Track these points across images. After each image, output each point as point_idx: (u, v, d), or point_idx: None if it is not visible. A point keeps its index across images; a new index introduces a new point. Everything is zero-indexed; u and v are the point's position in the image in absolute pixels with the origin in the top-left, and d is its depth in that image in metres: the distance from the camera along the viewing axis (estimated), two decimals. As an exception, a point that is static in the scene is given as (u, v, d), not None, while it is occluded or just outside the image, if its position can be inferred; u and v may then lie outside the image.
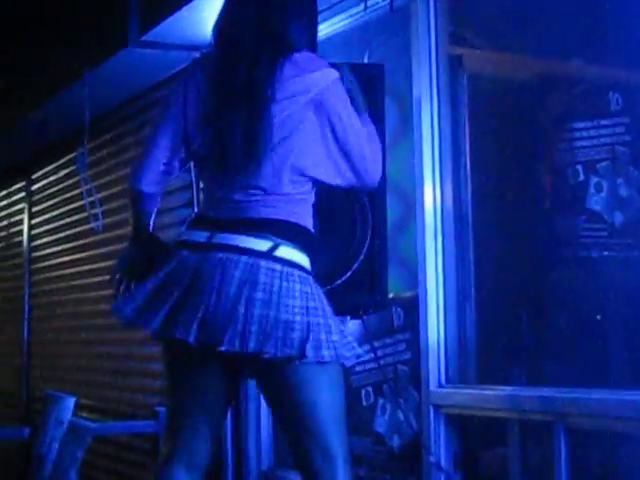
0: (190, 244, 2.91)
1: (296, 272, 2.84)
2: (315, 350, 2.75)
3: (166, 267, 2.90)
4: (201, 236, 2.90)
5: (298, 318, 2.76)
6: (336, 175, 2.94)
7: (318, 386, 2.85)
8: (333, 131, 2.88)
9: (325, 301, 2.88)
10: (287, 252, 2.84)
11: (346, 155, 2.92)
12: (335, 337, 2.81)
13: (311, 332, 2.75)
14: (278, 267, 2.80)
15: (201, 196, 4.51)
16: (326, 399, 2.87)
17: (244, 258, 2.81)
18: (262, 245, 2.82)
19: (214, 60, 3.03)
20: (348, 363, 2.89)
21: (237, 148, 2.86)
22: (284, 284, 2.79)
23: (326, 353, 2.77)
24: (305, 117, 2.84)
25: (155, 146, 3.03)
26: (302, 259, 2.89)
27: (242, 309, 2.74)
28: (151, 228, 3.15)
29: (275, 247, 2.82)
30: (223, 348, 2.70)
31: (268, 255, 2.81)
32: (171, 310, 2.80)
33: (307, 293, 2.83)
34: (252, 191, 2.88)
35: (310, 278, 2.88)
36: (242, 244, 2.83)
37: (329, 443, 2.83)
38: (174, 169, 3.06)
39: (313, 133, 2.86)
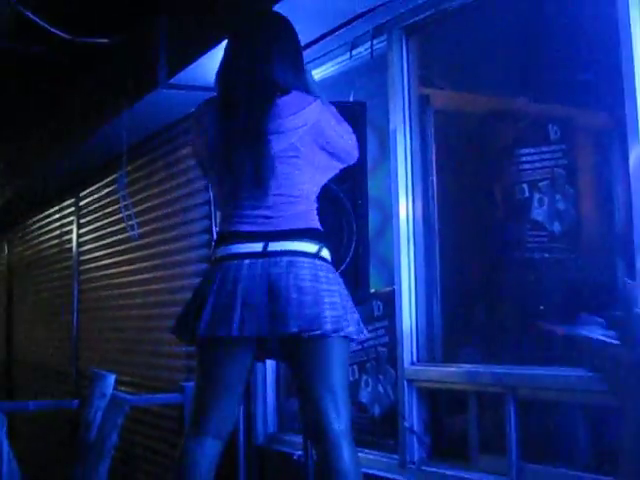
0: (243, 255, 2.88)
1: (331, 266, 2.91)
2: (355, 325, 2.84)
3: (215, 283, 2.88)
4: (254, 247, 2.88)
5: (340, 299, 2.83)
6: (330, 172, 3.00)
7: (340, 358, 2.87)
8: (326, 146, 2.91)
9: (334, 278, 2.91)
10: (325, 252, 2.90)
11: (336, 156, 2.98)
12: (355, 316, 2.88)
13: (349, 312, 2.84)
14: (323, 264, 2.86)
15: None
16: (342, 369, 2.90)
17: (303, 259, 2.84)
18: (312, 248, 2.86)
19: (218, 105, 3.01)
20: (363, 337, 2.98)
21: (248, 179, 2.87)
22: (328, 275, 2.85)
23: (359, 328, 2.86)
24: (305, 142, 2.84)
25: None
26: (303, 246, 2.88)
27: (297, 298, 2.77)
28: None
29: (320, 249, 2.88)
30: (292, 331, 2.74)
31: (316, 255, 2.86)
32: (250, 315, 2.79)
33: (341, 282, 2.91)
34: (275, 205, 2.89)
35: (315, 261, 2.89)
36: (299, 248, 2.86)
37: (340, 405, 2.83)
38: None
39: (312, 152, 2.87)
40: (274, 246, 2.86)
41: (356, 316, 2.87)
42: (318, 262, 2.85)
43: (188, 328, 2.91)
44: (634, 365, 2.57)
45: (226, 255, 2.92)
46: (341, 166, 3.02)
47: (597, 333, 3.13)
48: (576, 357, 3.20)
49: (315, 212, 2.96)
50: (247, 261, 2.86)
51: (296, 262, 2.82)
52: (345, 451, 2.80)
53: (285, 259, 2.83)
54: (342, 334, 2.80)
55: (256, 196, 2.88)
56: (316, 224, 2.95)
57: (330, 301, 2.81)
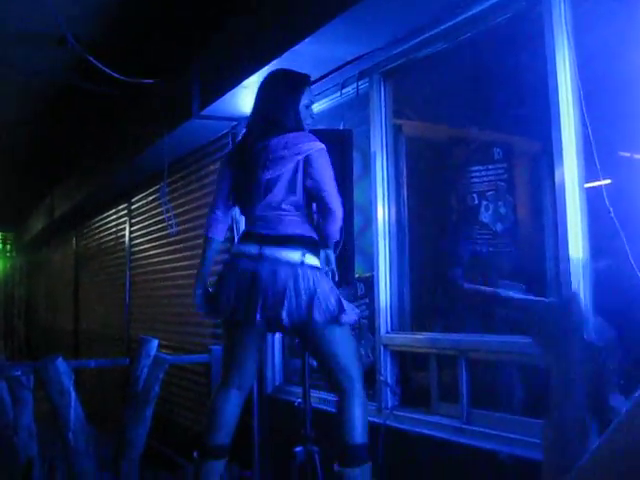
0: (246, 254, 2.94)
1: (316, 270, 2.89)
2: (346, 315, 2.84)
3: (230, 279, 2.94)
4: (254, 248, 2.92)
5: (330, 295, 2.84)
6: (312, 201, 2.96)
7: (343, 339, 2.93)
8: (307, 171, 2.86)
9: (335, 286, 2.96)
10: (310, 259, 2.88)
11: (320, 190, 2.89)
12: (347, 306, 2.87)
13: (340, 304, 2.84)
14: (308, 268, 2.85)
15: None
16: (347, 346, 2.95)
17: (285, 263, 2.85)
18: (296, 255, 2.86)
19: (237, 149, 3.07)
20: (356, 320, 3.03)
21: (254, 198, 2.94)
22: (314, 277, 2.84)
23: (350, 316, 2.86)
24: (298, 168, 2.85)
25: (214, 209, 3.09)
26: (317, 262, 2.91)
27: (291, 295, 2.80)
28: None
29: (303, 255, 2.86)
30: (285, 321, 2.79)
31: (302, 262, 2.86)
32: (246, 304, 2.86)
33: (328, 281, 2.91)
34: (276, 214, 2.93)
35: (323, 272, 2.94)
36: (284, 257, 2.86)
37: (351, 372, 2.92)
38: (227, 220, 3.13)
39: (301, 178, 2.87)
40: (266, 251, 2.88)
41: (346, 306, 2.86)
42: (300, 269, 2.84)
43: (212, 308, 2.99)
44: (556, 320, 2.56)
45: (237, 252, 2.97)
46: (323, 206, 2.92)
47: (518, 294, 3.17)
48: (501, 314, 3.27)
49: (310, 223, 2.97)
50: (245, 261, 2.92)
51: (278, 269, 2.83)
52: (355, 400, 2.90)
53: (268, 266, 2.85)
54: (337, 322, 2.83)
55: (261, 209, 2.93)
56: (310, 233, 2.94)
57: (322, 297, 2.83)
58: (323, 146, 2.90)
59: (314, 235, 2.96)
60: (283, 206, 2.91)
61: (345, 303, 2.88)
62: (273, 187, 2.89)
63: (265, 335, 3.14)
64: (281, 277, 2.82)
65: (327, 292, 2.85)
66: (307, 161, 2.85)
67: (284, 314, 2.78)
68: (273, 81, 3.07)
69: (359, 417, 2.89)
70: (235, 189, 3.05)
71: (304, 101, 3.01)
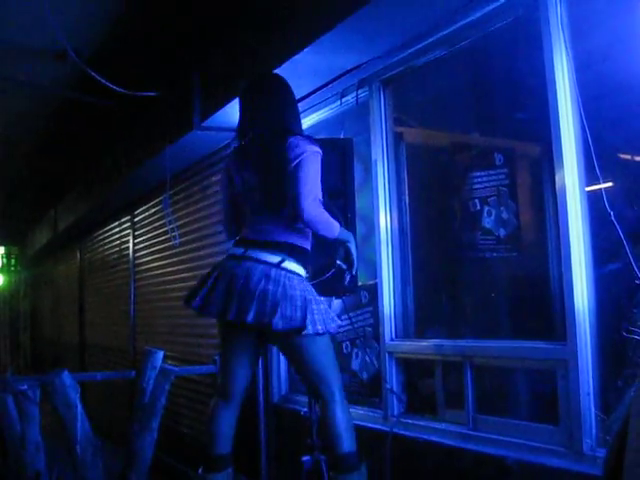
0: (232, 256, 2.95)
1: (294, 276, 2.85)
2: (312, 325, 2.77)
3: (213, 274, 2.94)
4: (240, 250, 2.94)
5: (299, 303, 2.78)
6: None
7: (317, 349, 2.89)
8: (295, 173, 2.80)
9: (315, 293, 2.89)
10: (289, 264, 2.86)
11: (295, 185, 2.79)
12: (323, 316, 2.83)
13: (308, 313, 2.77)
14: (283, 272, 2.83)
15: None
16: (324, 356, 2.92)
17: (262, 266, 2.85)
18: (275, 259, 2.86)
19: (239, 151, 3.08)
20: (333, 331, 2.91)
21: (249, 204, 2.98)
22: (287, 282, 2.80)
23: (320, 327, 2.80)
24: (292, 171, 2.82)
25: (224, 215, 3.18)
26: (298, 269, 2.89)
27: (260, 296, 2.78)
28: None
29: (282, 261, 2.85)
30: (249, 320, 2.74)
31: (278, 265, 2.85)
32: (221, 299, 2.84)
33: (303, 289, 2.84)
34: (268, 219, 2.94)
35: (304, 280, 2.89)
36: (262, 257, 2.87)
37: (329, 381, 2.89)
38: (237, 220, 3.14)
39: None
40: (249, 252, 2.89)
41: (318, 316, 2.80)
42: (275, 270, 2.82)
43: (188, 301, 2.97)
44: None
45: (228, 254, 3.00)
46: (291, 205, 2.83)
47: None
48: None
49: (303, 232, 2.94)
50: (230, 262, 2.93)
51: (255, 267, 2.83)
52: (337, 409, 2.87)
53: (248, 263, 2.85)
54: (304, 332, 2.78)
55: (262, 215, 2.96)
56: (297, 241, 2.92)
57: (289, 303, 2.79)
58: (319, 150, 2.87)
59: (304, 245, 2.95)
60: (277, 213, 2.92)
61: (320, 313, 2.82)
62: (268, 192, 2.92)
63: (260, 343, 3.10)
64: (255, 276, 2.81)
65: (297, 299, 2.80)
66: (298, 163, 2.82)
67: (250, 314, 2.75)
68: (272, 84, 3.09)
69: (343, 425, 2.87)
70: (235, 195, 3.09)
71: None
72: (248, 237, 2.97)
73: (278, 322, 2.74)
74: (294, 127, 2.97)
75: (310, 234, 2.98)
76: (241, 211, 3.09)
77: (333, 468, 2.90)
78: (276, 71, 3.58)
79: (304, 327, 2.76)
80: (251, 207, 3.00)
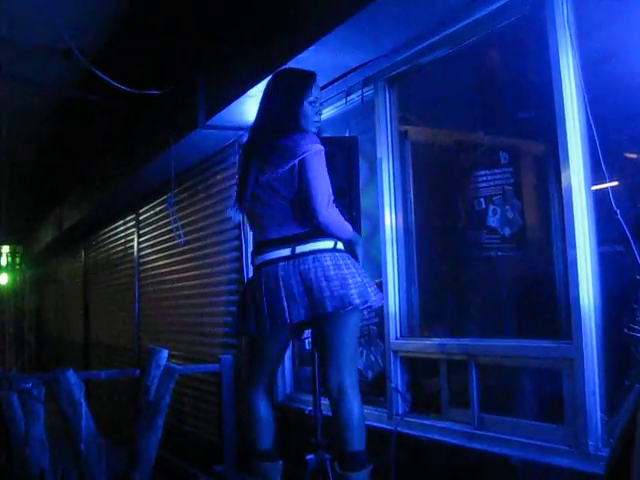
0: (254, 265, 2.98)
1: (320, 255, 2.82)
2: (357, 297, 2.77)
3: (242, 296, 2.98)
4: (258, 259, 2.94)
5: (337, 282, 2.76)
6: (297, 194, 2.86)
7: (351, 328, 2.87)
8: (301, 173, 2.81)
9: (352, 263, 2.88)
10: (304, 247, 2.83)
11: (308, 189, 2.81)
12: (360, 289, 2.80)
13: (350, 288, 2.76)
14: (301, 260, 2.81)
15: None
16: (353, 338, 2.92)
17: (281, 264, 2.83)
18: (287, 251, 2.84)
19: (245, 150, 3.08)
20: (376, 305, 3.03)
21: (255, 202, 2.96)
22: (310, 264, 2.79)
23: (357, 301, 2.78)
24: (294, 171, 2.81)
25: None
26: (322, 244, 2.85)
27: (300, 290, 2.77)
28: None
29: (294, 249, 2.83)
30: (303, 318, 2.76)
31: (291, 255, 2.83)
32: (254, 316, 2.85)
33: (335, 265, 2.82)
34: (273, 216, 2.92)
35: (335, 253, 2.85)
36: (275, 256, 2.86)
37: (352, 373, 2.88)
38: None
39: (297, 181, 2.82)
40: (259, 259, 2.90)
41: (355, 290, 2.79)
42: (293, 261, 2.81)
43: (246, 326, 2.91)
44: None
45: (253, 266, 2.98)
46: (308, 204, 2.83)
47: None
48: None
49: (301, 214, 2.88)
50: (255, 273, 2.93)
51: (273, 269, 2.83)
52: (355, 403, 2.84)
53: (264, 269, 2.86)
54: (367, 305, 2.84)
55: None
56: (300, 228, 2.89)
57: (354, 281, 2.80)
58: (321, 148, 2.86)
59: (308, 229, 2.88)
60: (281, 209, 2.90)
61: (359, 284, 2.81)
62: (271, 190, 2.90)
63: (288, 338, 3.10)
64: (273, 276, 2.82)
65: (331, 276, 2.78)
66: (302, 163, 2.81)
67: (286, 315, 2.74)
68: (276, 81, 3.07)
69: (359, 422, 2.85)
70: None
71: (309, 98, 2.98)
72: (261, 238, 2.97)
73: (328, 305, 2.73)
74: (291, 124, 2.93)
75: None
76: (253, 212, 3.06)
77: (341, 465, 2.87)
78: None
79: (351, 303, 2.75)
80: (258, 208, 2.98)
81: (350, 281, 2.80)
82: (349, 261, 2.89)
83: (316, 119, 3.02)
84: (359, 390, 2.91)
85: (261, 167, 2.91)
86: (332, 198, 2.87)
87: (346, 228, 2.95)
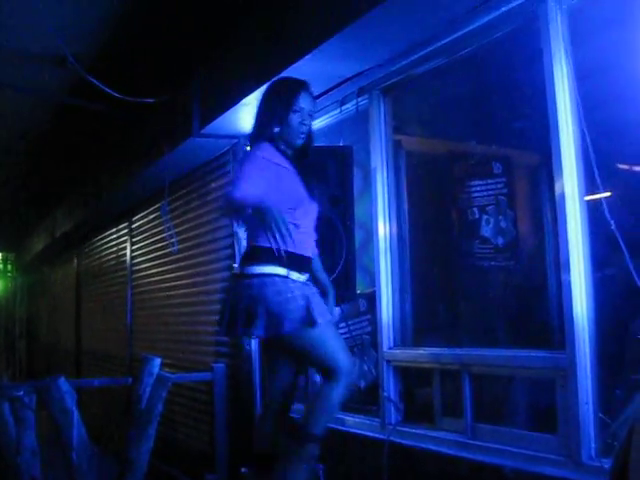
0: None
1: (268, 279, 2.73)
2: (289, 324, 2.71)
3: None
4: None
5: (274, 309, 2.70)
6: None
7: (306, 342, 2.78)
8: None
9: (302, 286, 2.78)
10: (253, 269, 2.77)
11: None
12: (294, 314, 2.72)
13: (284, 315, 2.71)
14: (255, 280, 2.75)
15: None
16: (322, 345, 2.78)
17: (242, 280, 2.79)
18: (237, 270, 2.86)
19: None
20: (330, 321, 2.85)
21: None
22: (253, 290, 2.73)
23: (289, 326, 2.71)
24: None
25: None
26: (268, 269, 2.76)
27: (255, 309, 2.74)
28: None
29: (242, 269, 2.81)
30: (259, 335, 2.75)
31: (243, 275, 2.79)
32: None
33: (285, 289, 2.73)
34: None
35: (282, 279, 2.75)
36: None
37: (334, 363, 2.76)
38: None
39: None
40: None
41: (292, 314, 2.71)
42: (246, 280, 2.77)
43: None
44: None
45: None
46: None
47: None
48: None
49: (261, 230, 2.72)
50: None
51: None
52: (333, 390, 2.75)
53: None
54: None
55: None
56: (256, 241, 2.81)
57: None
58: (260, 152, 2.77)
59: (263, 243, 2.76)
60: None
61: (293, 311, 2.72)
62: None
63: (290, 359, 3.02)
64: (239, 292, 2.80)
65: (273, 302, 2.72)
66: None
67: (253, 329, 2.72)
68: (266, 90, 3.02)
69: (327, 408, 2.77)
70: None
71: (293, 107, 2.87)
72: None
73: (260, 332, 2.71)
74: (267, 132, 2.87)
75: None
76: None
77: (292, 435, 2.84)
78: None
79: (303, 325, 2.70)
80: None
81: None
82: (297, 284, 2.79)
83: (302, 129, 2.89)
84: (347, 379, 2.79)
85: None
86: (245, 184, 2.68)
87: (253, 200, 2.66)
